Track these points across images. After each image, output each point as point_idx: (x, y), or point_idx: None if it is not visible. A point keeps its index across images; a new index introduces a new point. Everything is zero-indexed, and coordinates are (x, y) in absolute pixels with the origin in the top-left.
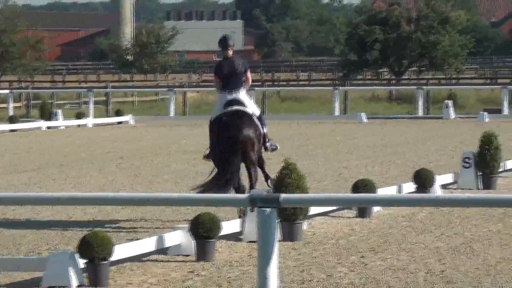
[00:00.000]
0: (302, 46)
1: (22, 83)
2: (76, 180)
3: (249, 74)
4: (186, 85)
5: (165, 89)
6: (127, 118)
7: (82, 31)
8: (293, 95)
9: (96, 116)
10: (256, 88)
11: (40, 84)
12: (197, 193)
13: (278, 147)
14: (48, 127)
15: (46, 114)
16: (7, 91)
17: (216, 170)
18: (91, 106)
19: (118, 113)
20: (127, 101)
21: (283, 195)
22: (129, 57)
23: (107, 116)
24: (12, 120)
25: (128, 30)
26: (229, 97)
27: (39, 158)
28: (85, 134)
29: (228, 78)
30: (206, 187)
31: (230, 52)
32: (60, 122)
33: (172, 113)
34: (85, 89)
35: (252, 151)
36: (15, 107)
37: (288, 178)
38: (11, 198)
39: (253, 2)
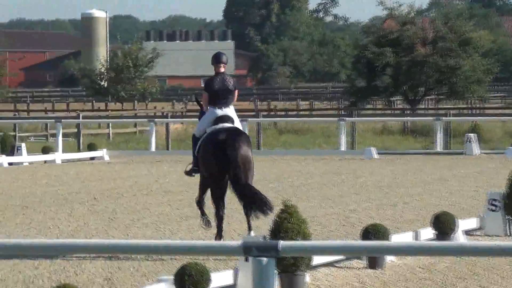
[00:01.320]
0: (302, 71)
1: None
2: (42, 225)
3: (236, 92)
4: (168, 116)
5: (145, 119)
6: (101, 153)
7: (48, 52)
8: (292, 127)
9: (65, 150)
10: (249, 119)
11: (0, 113)
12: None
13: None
14: (10, 163)
15: (7, 148)
16: None
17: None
18: (60, 139)
19: (90, 147)
20: (101, 133)
21: (282, 242)
22: (103, 83)
23: (78, 150)
24: None
25: (101, 52)
26: (220, 112)
27: None
28: (53, 172)
29: (218, 94)
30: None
31: (222, 69)
32: (24, 157)
33: (153, 148)
34: (53, 120)
35: (252, 167)
36: None
37: (287, 223)
38: None
39: (245, 20)
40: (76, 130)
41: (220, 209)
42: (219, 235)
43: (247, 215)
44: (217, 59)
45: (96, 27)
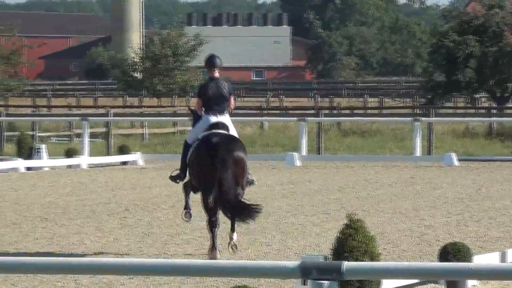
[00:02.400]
0: (370, 62)
1: None
2: (65, 241)
3: (232, 99)
4: None
5: (186, 118)
6: (134, 156)
7: (72, 38)
8: (358, 128)
9: (92, 153)
10: (308, 118)
11: (16, 110)
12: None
13: (255, 182)
14: (28, 168)
15: (25, 150)
16: None
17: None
18: (86, 140)
19: (122, 150)
20: (134, 133)
21: (346, 263)
22: (137, 75)
23: (108, 154)
24: None
25: (135, 38)
26: (214, 119)
27: (15, 210)
28: (78, 178)
29: (213, 100)
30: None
31: (216, 73)
32: (44, 161)
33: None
34: (78, 117)
35: (245, 174)
36: None
37: (352, 240)
38: None
39: (304, 2)
40: (105, 129)
41: (213, 216)
42: (212, 245)
43: (232, 226)
44: (210, 63)
45: (129, 9)
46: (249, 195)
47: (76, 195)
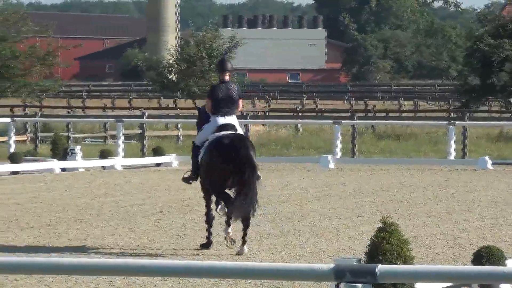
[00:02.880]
0: (405, 65)
1: (28, 109)
2: (99, 242)
3: (241, 102)
4: (248, 116)
5: None
6: (168, 158)
7: (108, 40)
8: (393, 131)
9: (127, 155)
10: (343, 121)
11: (51, 110)
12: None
13: (260, 178)
14: (62, 169)
15: (59, 151)
16: (7, 119)
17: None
18: (121, 141)
19: (156, 151)
20: (169, 135)
21: (380, 266)
22: (172, 76)
23: (142, 155)
24: (13, 158)
25: (170, 40)
26: (222, 120)
27: (49, 211)
28: (112, 180)
29: (222, 102)
30: (234, 210)
31: (227, 77)
32: (79, 162)
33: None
34: (113, 119)
35: (256, 171)
36: (17, 141)
37: (386, 243)
38: (10, 265)
39: (339, 4)
40: (139, 131)
41: (210, 212)
42: (208, 239)
43: (229, 215)
44: (222, 67)
45: (165, 11)
46: (283, 198)
47: (111, 197)
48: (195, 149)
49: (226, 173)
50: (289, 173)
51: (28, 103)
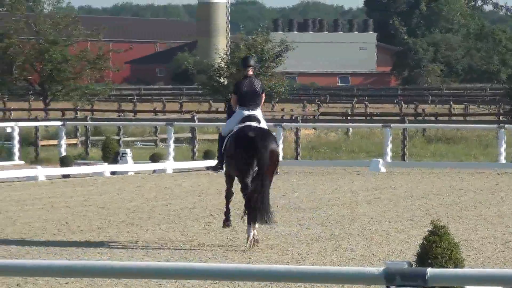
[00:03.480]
0: (456, 69)
1: (78, 112)
2: (150, 245)
3: (263, 95)
4: (298, 119)
5: (271, 123)
6: None
7: (159, 43)
8: (443, 134)
9: (177, 158)
10: (393, 125)
11: (102, 114)
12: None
13: (278, 172)
14: (113, 173)
15: (110, 154)
16: (58, 123)
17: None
18: (171, 145)
19: (207, 155)
20: None
21: (430, 270)
22: (223, 80)
23: (193, 159)
24: (64, 162)
25: (221, 44)
26: (246, 112)
27: (100, 214)
28: (163, 183)
29: (246, 96)
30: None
31: (251, 72)
32: (129, 166)
33: (280, 156)
34: (163, 122)
35: (277, 165)
36: (68, 145)
37: (436, 247)
38: (60, 268)
39: (389, 8)
40: (190, 134)
41: (229, 190)
42: (226, 216)
43: (248, 217)
44: (245, 64)
45: (215, 15)
46: (333, 201)
47: (161, 200)
48: (221, 140)
49: (246, 167)
50: (339, 176)
51: (79, 107)
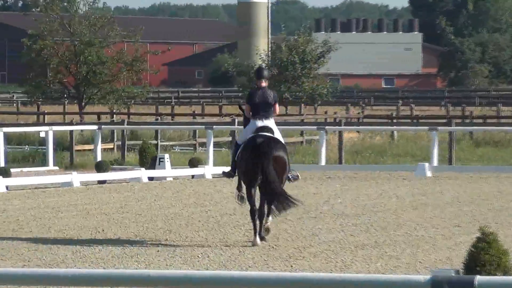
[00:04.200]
0: (504, 70)
1: (114, 116)
2: (188, 253)
3: (277, 106)
4: (342, 122)
5: (313, 127)
6: None
7: (197, 44)
8: (491, 138)
9: (217, 163)
10: (439, 128)
11: (139, 118)
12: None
13: (299, 177)
14: (150, 178)
15: (147, 159)
16: (94, 127)
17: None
18: (211, 149)
19: None
20: None
21: (479, 278)
22: None
23: None
24: (100, 167)
25: (262, 45)
26: (260, 123)
27: (137, 221)
28: (202, 189)
29: (259, 106)
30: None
31: (264, 84)
32: (167, 171)
33: (323, 161)
34: (203, 126)
35: (285, 171)
36: (104, 150)
37: (485, 254)
38: (97, 277)
39: (435, 7)
40: (230, 138)
41: (254, 206)
42: (254, 231)
43: (268, 211)
44: (259, 75)
45: (256, 15)
46: (378, 207)
47: (200, 206)
48: (236, 147)
49: (255, 172)
50: (384, 181)
51: (115, 110)
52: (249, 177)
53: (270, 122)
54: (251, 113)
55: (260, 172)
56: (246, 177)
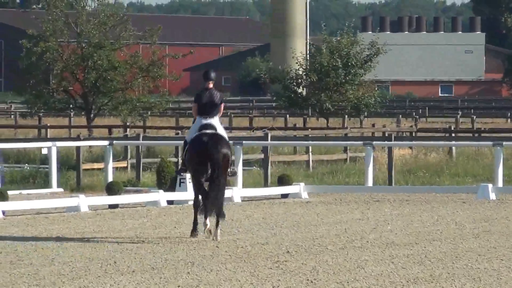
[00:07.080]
0: None
1: (128, 130)
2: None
3: (222, 106)
4: (392, 137)
5: (359, 142)
6: (296, 188)
7: (224, 46)
8: None
9: (247, 184)
10: (505, 143)
11: (156, 132)
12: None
13: (237, 173)
14: (170, 202)
15: (166, 180)
16: (105, 142)
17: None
18: (239, 168)
19: (282, 180)
20: (297, 160)
21: None
22: (301, 90)
23: (265, 185)
24: (111, 189)
25: (298, 46)
26: (204, 121)
27: (154, 252)
28: (230, 214)
29: (205, 106)
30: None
31: (211, 85)
32: (189, 193)
33: (369, 181)
34: (230, 141)
35: (228, 165)
36: (116, 169)
37: None
38: None
39: (500, 3)
40: (262, 155)
41: (197, 199)
42: (194, 226)
43: (205, 209)
44: (206, 77)
45: (292, 12)
46: (434, 235)
47: (228, 234)
48: (185, 144)
49: (200, 168)
50: (441, 205)
51: (128, 123)
52: (197, 172)
53: (214, 120)
54: (198, 112)
55: (210, 165)
56: (194, 171)
